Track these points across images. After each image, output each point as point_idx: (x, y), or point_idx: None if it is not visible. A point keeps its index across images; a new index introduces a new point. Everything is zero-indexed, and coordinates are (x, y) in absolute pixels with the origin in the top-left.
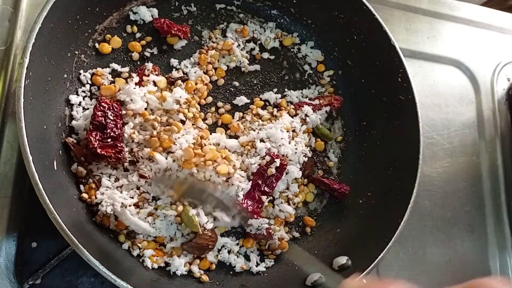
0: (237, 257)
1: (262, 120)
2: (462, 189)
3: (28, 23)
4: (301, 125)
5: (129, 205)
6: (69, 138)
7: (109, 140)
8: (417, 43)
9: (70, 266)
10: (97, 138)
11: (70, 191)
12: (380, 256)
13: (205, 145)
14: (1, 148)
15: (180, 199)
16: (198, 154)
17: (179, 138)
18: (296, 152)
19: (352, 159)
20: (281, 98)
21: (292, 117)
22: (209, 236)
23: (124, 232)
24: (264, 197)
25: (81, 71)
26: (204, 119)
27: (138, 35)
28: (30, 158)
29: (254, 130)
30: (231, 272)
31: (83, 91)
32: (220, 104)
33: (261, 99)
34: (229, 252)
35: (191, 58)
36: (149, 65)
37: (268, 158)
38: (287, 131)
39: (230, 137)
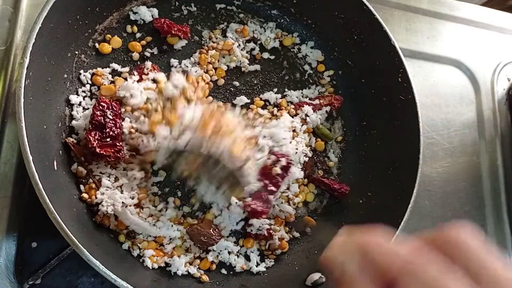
0: (237, 257)
1: (263, 119)
2: (462, 189)
3: (28, 23)
4: (302, 125)
5: (130, 205)
6: (69, 138)
7: (108, 139)
8: (417, 43)
9: (70, 266)
10: (96, 137)
11: (70, 191)
12: None
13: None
14: (1, 148)
15: (192, 173)
16: (215, 119)
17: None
18: (296, 152)
19: (352, 159)
20: (281, 98)
21: (292, 117)
22: (215, 229)
23: (124, 232)
24: (271, 197)
25: (81, 71)
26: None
27: (138, 35)
28: (30, 158)
29: (257, 127)
30: (231, 272)
31: (83, 91)
32: (220, 104)
33: (261, 99)
34: (229, 252)
35: (191, 58)
36: (148, 64)
37: (273, 157)
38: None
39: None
